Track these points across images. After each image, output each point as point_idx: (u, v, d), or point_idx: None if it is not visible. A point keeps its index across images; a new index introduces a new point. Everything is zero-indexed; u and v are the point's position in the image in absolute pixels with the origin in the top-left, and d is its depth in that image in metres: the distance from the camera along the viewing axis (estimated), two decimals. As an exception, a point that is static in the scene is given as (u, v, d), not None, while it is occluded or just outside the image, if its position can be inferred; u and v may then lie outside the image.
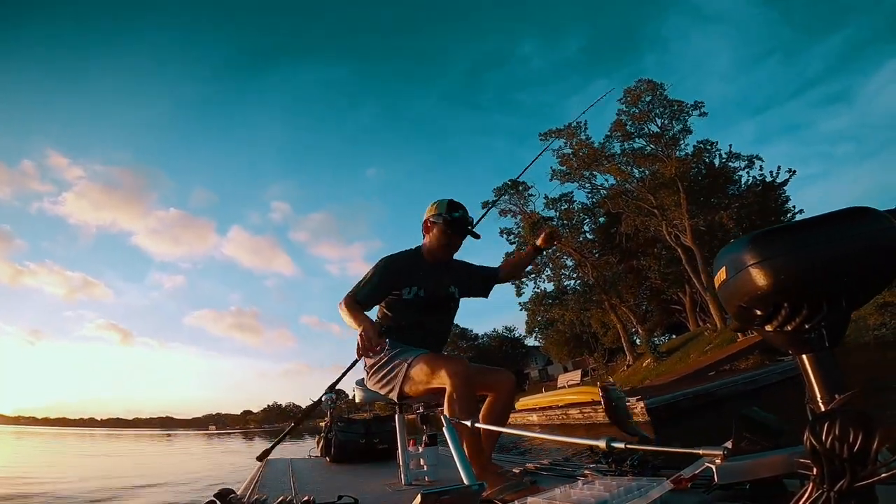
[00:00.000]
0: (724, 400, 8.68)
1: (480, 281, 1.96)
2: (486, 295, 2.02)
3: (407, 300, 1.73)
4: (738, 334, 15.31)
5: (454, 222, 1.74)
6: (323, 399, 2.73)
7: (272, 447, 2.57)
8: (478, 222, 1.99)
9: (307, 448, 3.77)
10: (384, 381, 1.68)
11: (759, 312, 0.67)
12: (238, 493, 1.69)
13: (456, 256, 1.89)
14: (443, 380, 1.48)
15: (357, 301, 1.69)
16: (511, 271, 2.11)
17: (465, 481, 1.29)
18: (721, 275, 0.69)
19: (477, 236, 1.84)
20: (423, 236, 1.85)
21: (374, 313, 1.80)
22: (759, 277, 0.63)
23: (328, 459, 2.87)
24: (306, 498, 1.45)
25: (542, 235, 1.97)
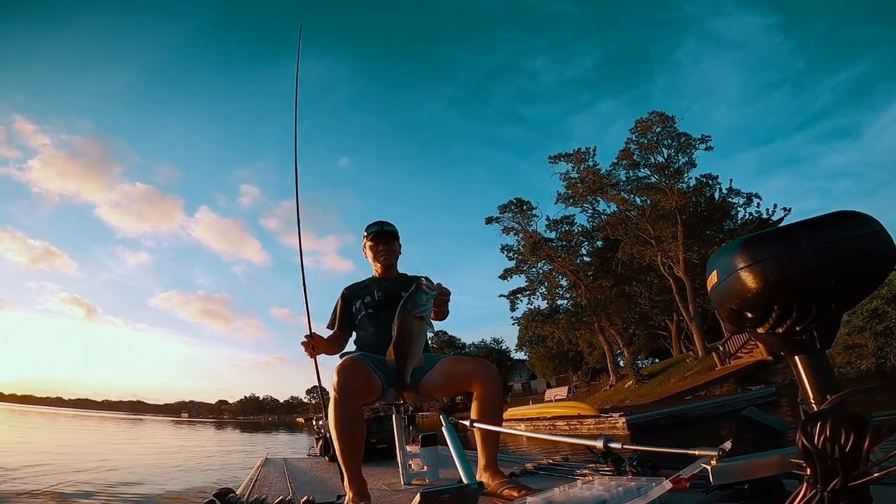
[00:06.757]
0: (695, 420, 9.10)
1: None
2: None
3: (360, 307, 1.86)
4: (717, 363, 15.04)
5: (371, 233, 1.96)
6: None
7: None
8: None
9: (306, 447, 3.63)
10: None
11: (750, 315, 0.65)
12: (237, 492, 1.63)
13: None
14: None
15: (328, 329, 1.93)
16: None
17: (465, 480, 1.24)
18: (713, 278, 0.67)
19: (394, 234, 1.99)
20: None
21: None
22: (749, 280, 0.61)
23: (327, 459, 2.76)
24: (306, 498, 1.40)
25: None
